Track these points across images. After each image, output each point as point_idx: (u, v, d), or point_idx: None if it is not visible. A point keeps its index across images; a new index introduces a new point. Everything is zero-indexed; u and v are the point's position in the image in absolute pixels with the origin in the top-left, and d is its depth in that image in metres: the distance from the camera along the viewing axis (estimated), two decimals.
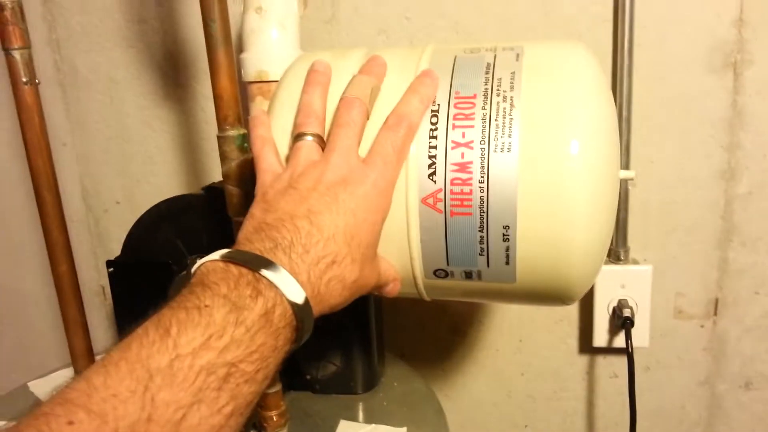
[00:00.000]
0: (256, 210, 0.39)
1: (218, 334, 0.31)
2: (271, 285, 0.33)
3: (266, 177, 0.41)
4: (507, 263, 0.41)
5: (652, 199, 0.73)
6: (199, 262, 0.35)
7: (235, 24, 0.65)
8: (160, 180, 0.82)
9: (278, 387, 0.58)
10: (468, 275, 0.43)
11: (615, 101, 0.70)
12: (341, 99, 0.42)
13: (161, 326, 0.31)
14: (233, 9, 0.66)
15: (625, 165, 0.70)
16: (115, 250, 0.66)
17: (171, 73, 0.79)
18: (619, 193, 0.71)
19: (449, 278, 0.43)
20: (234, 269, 0.34)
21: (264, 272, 0.34)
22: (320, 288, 0.36)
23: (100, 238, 0.86)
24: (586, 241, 0.40)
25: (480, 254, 0.41)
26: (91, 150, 0.83)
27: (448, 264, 0.42)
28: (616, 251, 0.73)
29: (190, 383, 0.29)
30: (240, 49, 0.63)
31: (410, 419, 0.62)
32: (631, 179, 0.66)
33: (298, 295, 0.34)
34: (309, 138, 0.41)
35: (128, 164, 0.83)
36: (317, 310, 0.36)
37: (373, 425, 0.60)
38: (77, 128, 0.83)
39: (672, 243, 0.74)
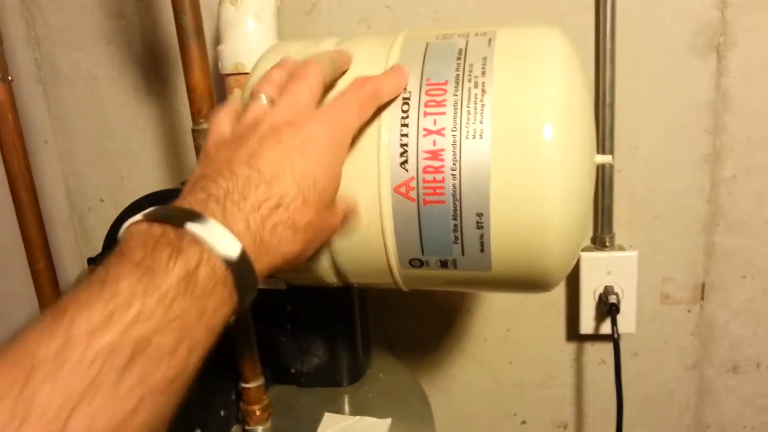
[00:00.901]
0: (196, 168, 0.36)
1: (124, 307, 0.27)
2: (196, 240, 0.29)
3: (213, 138, 0.38)
4: (482, 251, 0.41)
5: (637, 185, 0.72)
6: (124, 225, 0.31)
7: (213, 16, 0.65)
8: (144, 176, 0.82)
9: (260, 381, 0.58)
10: (443, 264, 0.42)
11: (598, 87, 0.70)
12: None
13: (58, 308, 0.27)
14: (210, 1, 0.66)
15: (609, 151, 0.70)
16: (101, 247, 0.65)
17: (152, 68, 0.78)
18: (603, 179, 0.72)
19: (425, 267, 0.43)
20: (157, 229, 0.30)
21: (188, 226, 0.30)
22: (263, 236, 0.32)
23: (85, 236, 0.85)
24: (562, 227, 0.40)
25: (454, 242, 0.41)
26: (73, 148, 0.82)
27: (423, 253, 0.42)
28: (602, 238, 0.73)
29: (84, 369, 0.25)
30: (217, 41, 0.63)
31: (395, 411, 0.61)
32: (610, 164, 0.66)
33: (231, 248, 0.30)
34: (262, 96, 0.38)
35: (111, 161, 0.82)
36: (265, 261, 0.33)
37: (358, 417, 0.60)
38: (59, 126, 0.82)
39: (658, 228, 0.73)
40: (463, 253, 0.41)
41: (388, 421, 0.60)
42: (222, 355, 0.57)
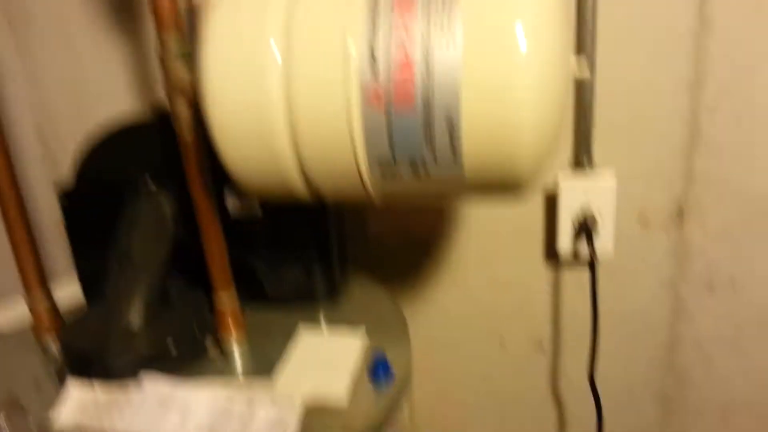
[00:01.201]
0: None
1: None
2: None
3: None
4: (453, 154, 0.41)
5: (617, 110, 0.72)
6: None
7: None
8: (116, 108, 0.80)
9: (232, 290, 0.57)
10: (415, 171, 0.42)
11: (580, 13, 0.68)
12: None
13: None
14: None
15: (591, 76, 0.69)
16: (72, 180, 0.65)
17: (125, 6, 0.76)
18: (583, 103, 0.71)
19: (397, 176, 0.43)
20: None
21: None
22: None
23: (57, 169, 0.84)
24: (532, 126, 0.40)
25: (426, 148, 0.41)
26: (46, 91, 0.81)
27: (394, 162, 0.42)
28: (581, 162, 0.73)
29: None
30: None
31: (370, 323, 0.62)
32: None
33: None
34: None
35: (82, 96, 0.80)
36: None
37: (332, 331, 0.61)
38: (30, 70, 0.80)
39: (637, 153, 0.73)
40: (435, 158, 0.41)
41: (362, 329, 0.60)
42: (196, 269, 0.57)
